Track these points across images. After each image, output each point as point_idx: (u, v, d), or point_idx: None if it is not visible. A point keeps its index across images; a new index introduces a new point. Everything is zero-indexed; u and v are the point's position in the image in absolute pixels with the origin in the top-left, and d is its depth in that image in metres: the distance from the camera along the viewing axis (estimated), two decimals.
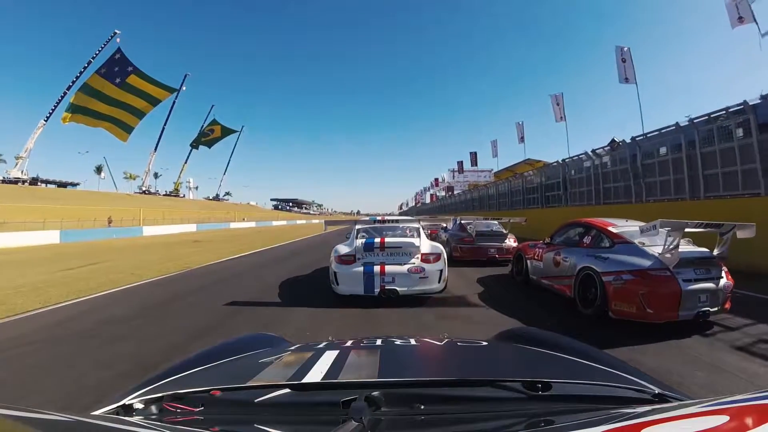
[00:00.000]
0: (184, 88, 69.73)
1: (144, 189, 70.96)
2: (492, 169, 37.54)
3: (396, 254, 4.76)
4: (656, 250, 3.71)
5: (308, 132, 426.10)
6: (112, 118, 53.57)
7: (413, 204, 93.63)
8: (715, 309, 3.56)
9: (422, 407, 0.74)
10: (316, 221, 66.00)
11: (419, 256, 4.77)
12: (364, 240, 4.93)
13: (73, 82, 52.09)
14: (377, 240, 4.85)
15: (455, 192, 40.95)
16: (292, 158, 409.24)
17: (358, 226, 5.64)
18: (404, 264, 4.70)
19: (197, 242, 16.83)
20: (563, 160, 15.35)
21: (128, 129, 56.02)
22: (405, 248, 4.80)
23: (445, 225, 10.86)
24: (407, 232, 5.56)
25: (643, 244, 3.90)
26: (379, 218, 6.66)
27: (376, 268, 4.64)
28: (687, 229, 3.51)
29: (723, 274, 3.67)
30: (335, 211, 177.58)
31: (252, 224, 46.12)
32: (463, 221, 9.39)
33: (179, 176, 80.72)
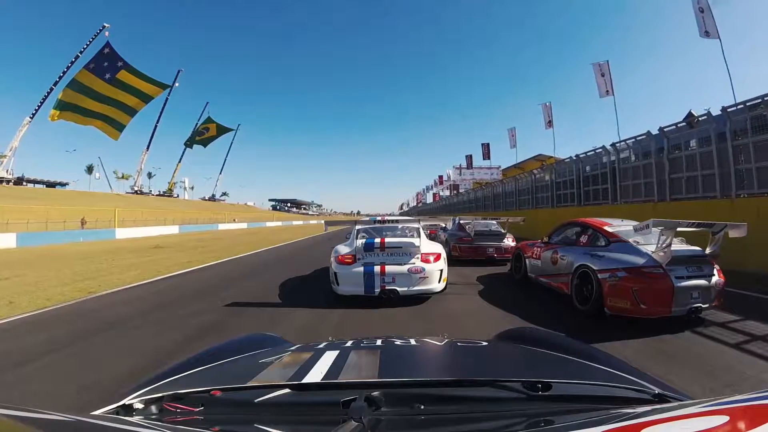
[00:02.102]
0: (177, 84, 70.33)
1: (136, 189, 71.45)
2: (500, 166, 37.09)
3: (396, 254, 4.98)
4: (650, 249, 3.98)
5: (308, 132, 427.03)
6: (103, 116, 53.55)
7: (414, 204, 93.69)
8: (707, 305, 3.83)
9: (422, 407, 0.76)
10: (314, 222, 65.91)
11: (419, 256, 4.99)
12: (364, 240, 5.13)
13: (60, 78, 52.34)
14: (377, 240, 5.07)
15: (461, 190, 40.82)
16: (292, 159, 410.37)
17: (358, 227, 5.87)
18: (404, 264, 4.91)
19: (158, 248, 15.21)
20: (611, 145, 12.88)
21: (119, 127, 56.14)
22: (405, 248, 5.02)
23: (444, 225, 11.18)
24: (407, 232, 5.81)
25: (638, 242, 4.18)
26: (379, 218, 6.93)
27: (377, 268, 4.85)
28: (679, 229, 3.76)
29: (715, 271, 3.94)
30: (335, 212, 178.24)
31: (243, 225, 45.41)
32: (461, 221, 9.74)
33: (173, 176, 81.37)
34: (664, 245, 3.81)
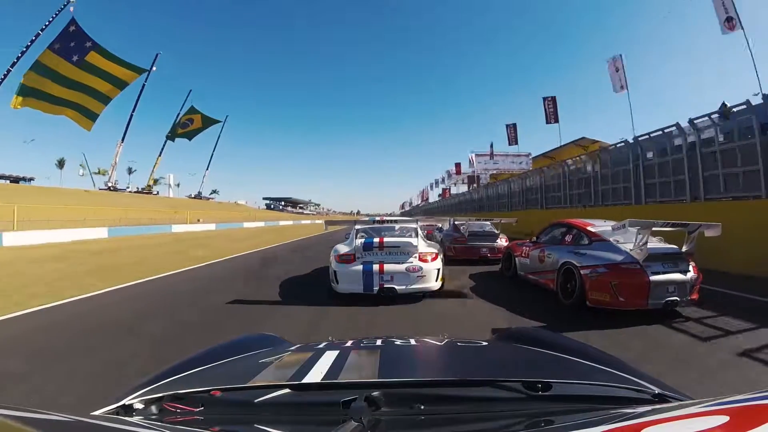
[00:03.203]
0: (154, 69, 69.12)
1: (110, 185, 71.83)
2: (530, 153, 32.21)
3: (394, 253, 5.57)
4: (629, 247, 4.74)
5: (308, 131, 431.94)
6: (73, 104, 51.45)
7: (418, 202, 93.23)
8: (683, 299, 4.55)
9: (422, 407, 0.82)
10: (307, 222, 65.50)
11: (417, 255, 5.57)
12: (363, 240, 5.75)
13: (18, 59, 48.02)
14: (376, 240, 5.69)
15: (481, 183, 35.40)
16: (290, 158, 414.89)
17: (357, 227, 6.59)
18: (402, 263, 5.49)
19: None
20: (635, 139, 12.72)
21: (92, 116, 53.77)
22: (403, 248, 5.62)
23: (440, 225, 12.16)
24: (405, 232, 6.58)
25: (618, 241, 4.97)
26: (378, 218, 7.71)
27: (375, 267, 5.42)
28: (655, 228, 4.51)
29: (690, 268, 4.67)
30: (334, 211, 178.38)
31: (211, 227, 38.66)
32: (456, 222, 10.78)
33: (152, 171, 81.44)
34: (641, 243, 4.54)
